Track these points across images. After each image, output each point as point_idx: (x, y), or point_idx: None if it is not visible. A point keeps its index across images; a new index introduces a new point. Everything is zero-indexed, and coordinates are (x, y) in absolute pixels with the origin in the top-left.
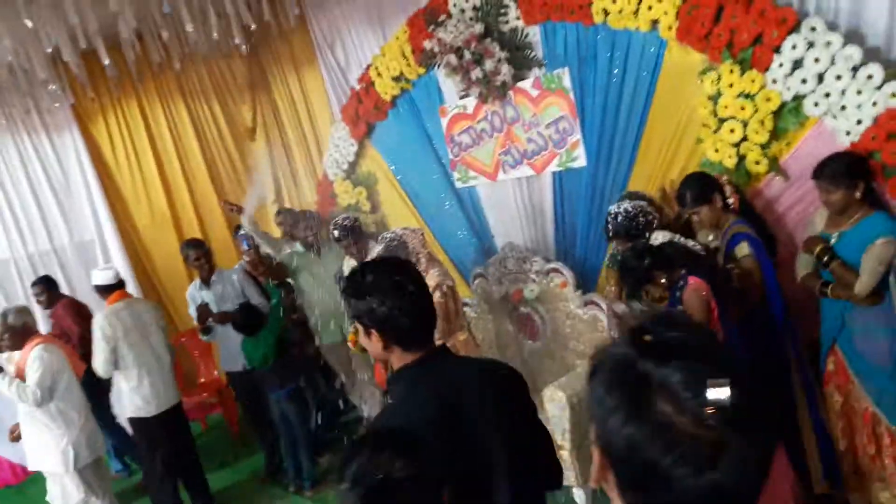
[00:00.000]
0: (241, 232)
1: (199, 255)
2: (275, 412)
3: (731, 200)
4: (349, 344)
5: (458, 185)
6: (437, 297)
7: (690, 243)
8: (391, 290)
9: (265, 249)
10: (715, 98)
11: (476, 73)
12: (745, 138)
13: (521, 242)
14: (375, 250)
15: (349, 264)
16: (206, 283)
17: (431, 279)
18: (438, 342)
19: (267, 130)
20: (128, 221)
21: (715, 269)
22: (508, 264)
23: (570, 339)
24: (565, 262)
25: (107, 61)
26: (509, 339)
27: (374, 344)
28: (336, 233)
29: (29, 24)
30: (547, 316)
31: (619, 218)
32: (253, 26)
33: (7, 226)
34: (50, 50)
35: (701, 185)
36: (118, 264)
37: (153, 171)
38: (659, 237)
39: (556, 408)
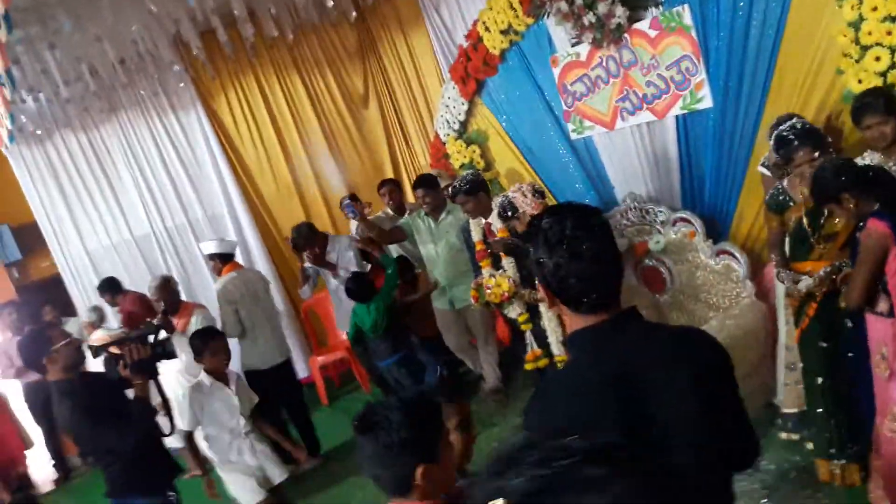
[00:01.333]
0: (347, 202)
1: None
2: (389, 379)
3: None
4: (472, 299)
5: (574, 136)
6: None
7: None
8: (561, 243)
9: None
10: (856, 24)
11: (589, 18)
12: (893, 65)
13: (643, 192)
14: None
15: (475, 223)
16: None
17: None
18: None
19: (379, 96)
20: (255, 193)
21: None
22: (631, 216)
23: (702, 290)
24: (693, 211)
25: (224, 38)
26: (634, 293)
27: (545, 298)
28: (451, 191)
29: (153, 8)
30: (675, 268)
31: (800, 126)
32: None
33: (146, 202)
34: (173, 32)
35: (891, 97)
36: (248, 234)
37: (274, 142)
38: (868, 158)
39: None
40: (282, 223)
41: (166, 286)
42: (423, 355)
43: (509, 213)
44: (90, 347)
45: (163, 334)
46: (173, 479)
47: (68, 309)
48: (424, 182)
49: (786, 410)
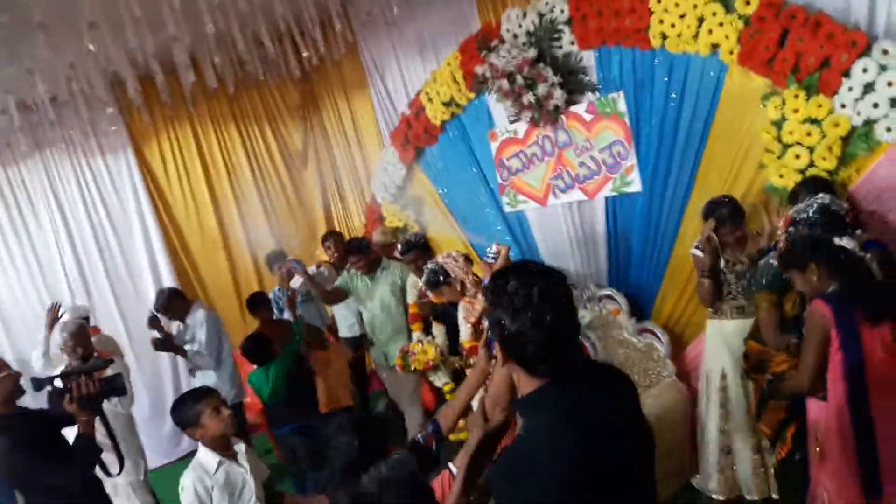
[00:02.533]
0: (293, 265)
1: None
2: (283, 447)
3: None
4: (397, 367)
5: (507, 209)
6: (485, 323)
7: (875, 267)
8: (525, 310)
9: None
10: (779, 123)
11: (528, 98)
12: (811, 164)
13: (572, 268)
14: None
15: (411, 284)
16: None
17: (479, 304)
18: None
19: (317, 154)
20: (179, 243)
21: (869, 298)
22: None
23: (625, 367)
24: (618, 289)
25: (162, 84)
26: None
27: (499, 357)
28: (401, 247)
29: (91, 47)
30: (599, 344)
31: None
32: (305, 53)
33: (62, 247)
34: (110, 72)
35: (819, 188)
36: (168, 284)
37: (205, 193)
38: (844, 241)
39: None
40: (206, 276)
41: (81, 333)
42: (330, 428)
43: (441, 279)
44: (32, 380)
45: (111, 369)
46: None
47: None
48: (354, 248)
49: (719, 497)
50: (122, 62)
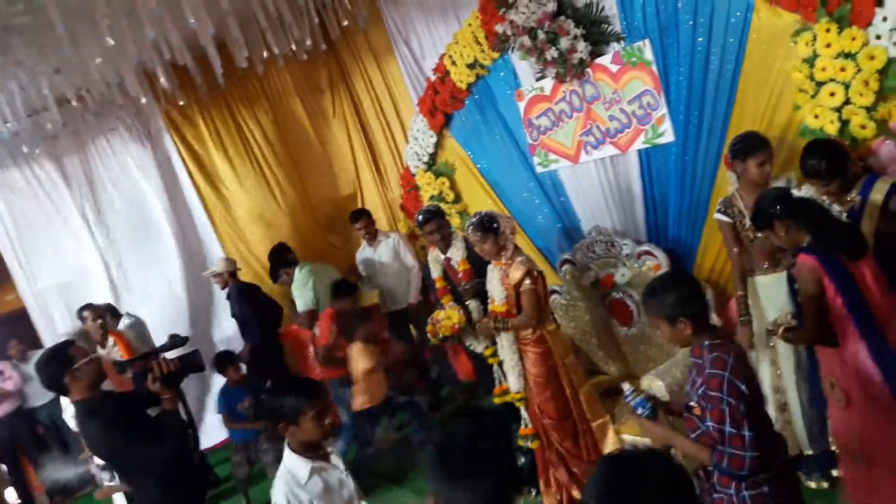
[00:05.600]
0: None
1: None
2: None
3: None
4: (429, 335)
5: (539, 169)
6: (527, 284)
7: (836, 209)
8: None
9: None
10: (811, 60)
11: (551, 53)
12: (847, 101)
13: (609, 225)
14: (459, 241)
15: (433, 259)
16: None
17: (520, 266)
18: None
19: (347, 126)
20: (228, 220)
21: (846, 243)
22: (597, 249)
23: None
24: (657, 244)
25: (193, 69)
26: (602, 325)
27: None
28: (420, 217)
29: (111, 41)
30: (640, 301)
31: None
32: (323, 25)
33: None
34: (138, 65)
35: (837, 155)
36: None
37: (248, 167)
38: (804, 191)
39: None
40: (255, 249)
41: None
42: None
43: (493, 226)
44: (115, 363)
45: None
46: (205, 493)
47: (35, 342)
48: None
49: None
50: (147, 53)
